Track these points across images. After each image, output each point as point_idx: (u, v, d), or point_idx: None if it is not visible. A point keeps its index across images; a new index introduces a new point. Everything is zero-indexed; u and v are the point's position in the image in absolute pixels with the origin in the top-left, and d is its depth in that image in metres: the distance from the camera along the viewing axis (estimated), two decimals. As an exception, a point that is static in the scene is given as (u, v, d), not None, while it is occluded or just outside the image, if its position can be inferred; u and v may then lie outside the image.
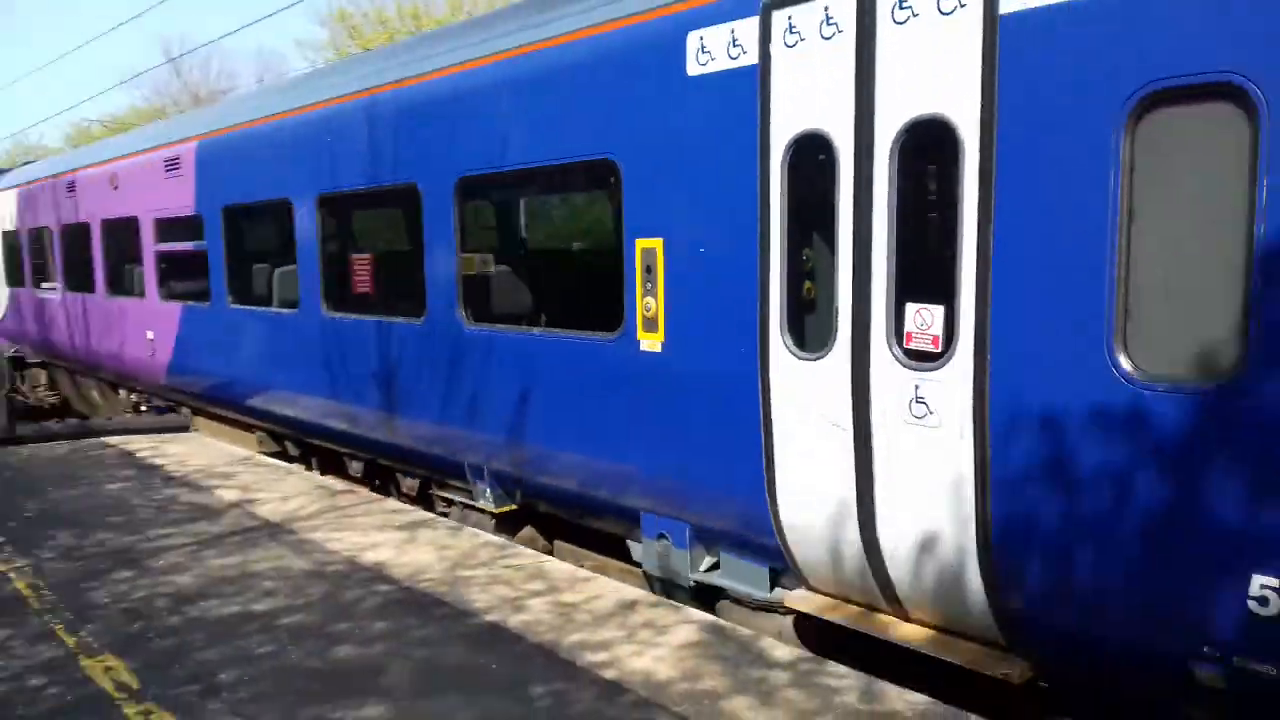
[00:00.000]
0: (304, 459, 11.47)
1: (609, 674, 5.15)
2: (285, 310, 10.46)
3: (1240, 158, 4.11)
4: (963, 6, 4.88)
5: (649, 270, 6.52)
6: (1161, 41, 4.24)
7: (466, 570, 6.93)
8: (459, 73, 7.97)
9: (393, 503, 9.08)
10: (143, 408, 15.43)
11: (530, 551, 7.52)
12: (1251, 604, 4.12)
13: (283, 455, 11.73)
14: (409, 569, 6.97)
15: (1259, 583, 4.07)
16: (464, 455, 8.28)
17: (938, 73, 5.01)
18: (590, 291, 7.36)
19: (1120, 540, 4.48)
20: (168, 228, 12.86)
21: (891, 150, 5.21)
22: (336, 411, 9.83)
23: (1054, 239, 4.61)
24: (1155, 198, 4.36)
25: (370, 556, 7.28)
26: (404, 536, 7.82)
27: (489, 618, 6.01)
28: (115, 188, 14.38)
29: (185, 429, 13.18)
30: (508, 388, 7.69)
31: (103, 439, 12.34)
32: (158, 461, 10.88)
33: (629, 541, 7.23)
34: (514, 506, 8.29)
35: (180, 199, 12.31)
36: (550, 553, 8.46)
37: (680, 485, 6.54)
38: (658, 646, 5.52)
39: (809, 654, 5.47)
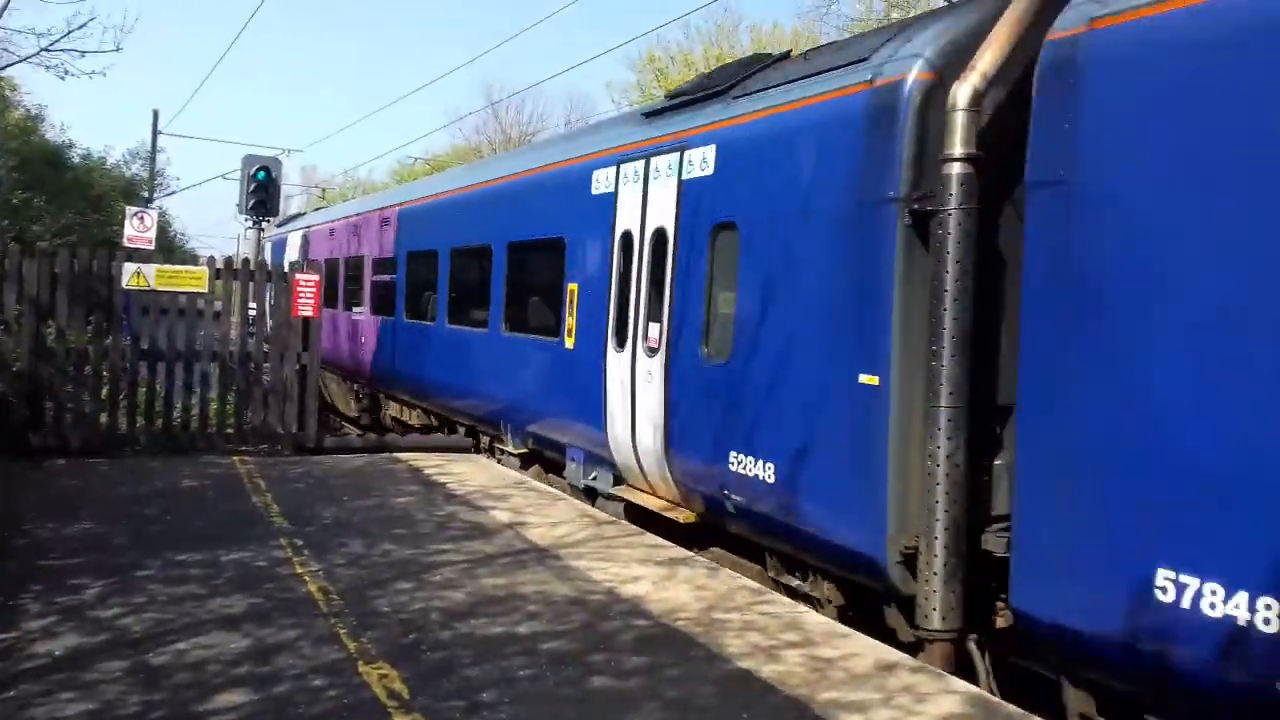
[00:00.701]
0: (441, 428, 15.93)
1: (863, 739, 4.94)
2: (428, 323, 15.63)
3: (736, 256, 8.40)
4: (672, 174, 9.36)
5: (571, 302, 11.07)
6: (716, 203, 8.72)
7: (722, 613, 6.88)
8: (502, 182, 13.59)
9: (653, 537, 9.19)
10: (361, 396, 20.76)
11: (785, 600, 7.38)
12: (733, 465, 8.25)
13: (440, 427, 16.10)
14: (666, 606, 7.00)
15: (733, 456, 8.23)
16: (499, 417, 13.20)
17: (663, 206, 9.49)
18: (554, 313, 11.63)
19: (703, 438, 8.66)
20: (380, 264, 18.33)
21: (650, 243, 9.65)
22: (445, 390, 15.06)
23: (690, 293, 8.96)
24: (718, 273, 8.70)
25: (630, 589, 7.37)
26: (664, 573, 7.88)
27: (742, 664, 5.92)
28: (356, 234, 20.35)
29: (469, 450, 13.94)
30: (512, 370, 12.62)
31: (394, 454, 13.26)
32: (441, 479, 11.57)
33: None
34: (526, 450, 12.80)
35: (388, 245, 17.93)
36: (549, 483, 12.05)
37: (578, 428, 10.95)
38: (918, 715, 5.24)
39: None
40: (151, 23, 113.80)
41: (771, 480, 7.78)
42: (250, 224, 21.76)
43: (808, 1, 51.26)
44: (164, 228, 43.91)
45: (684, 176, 9.11)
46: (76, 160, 39.37)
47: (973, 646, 6.64)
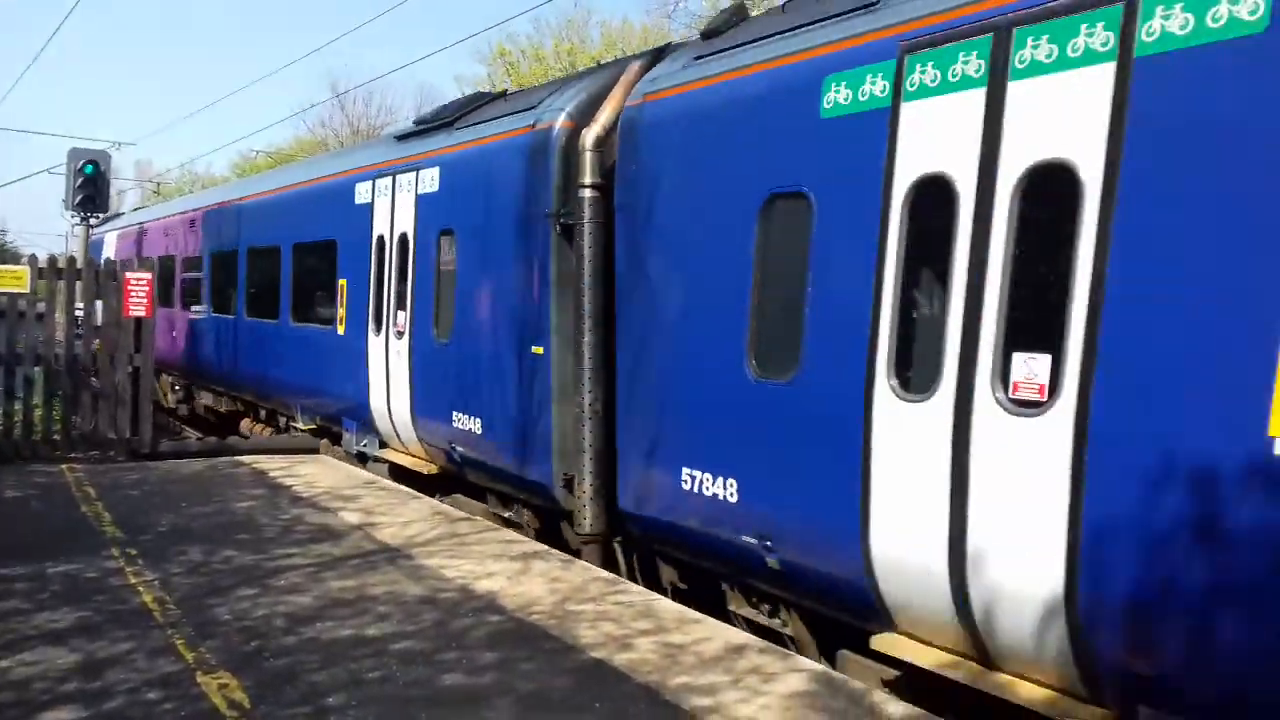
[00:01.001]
0: (247, 414, 17.55)
1: (712, 720, 5.02)
2: (230, 316, 16.95)
3: (454, 256, 10.36)
4: (412, 189, 11.29)
5: (342, 295, 12.80)
6: (440, 214, 10.69)
7: (576, 605, 6.89)
8: (289, 190, 15.31)
9: (509, 533, 9.14)
10: (176, 388, 21.60)
11: (639, 589, 7.45)
12: (455, 423, 10.20)
13: (245, 412, 17.64)
14: (520, 600, 6.97)
15: (455, 415, 10.19)
16: (291, 398, 14.80)
17: (405, 215, 11.40)
18: (330, 305, 13.25)
19: (437, 403, 10.58)
20: (189, 263, 19.71)
21: (397, 246, 11.51)
22: (246, 378, 16.62)
23: (425, 286, 10.91)
24: (443, 270, 10.63)
25: (483, 585, 7.31)
26: (518, 567, 7.85)
27: (595, 654, 5.94)
28: (166, 235, 21.45)
29: (315, 450, 13.57)
30: (299, 356, 14.23)
31: (237, 458, 12.80)
32: (287, 482, 11.23)
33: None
34: (315, 426, 14.27)
35: (196, 245, 19.34)
36: (335, 454, 13.41)
37: (351, 403, 12.62)
38: (764, 695, 5.36)
39: (922, 712, 5.23)
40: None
41: (480, 432, 9.87)
42: (78, 221, 20.74)
43: (654, -1, 51.63)
44: (-18, 225, 41.23)
45: (420, 191, 11.14)
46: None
47: (616, 546, 8.90)
